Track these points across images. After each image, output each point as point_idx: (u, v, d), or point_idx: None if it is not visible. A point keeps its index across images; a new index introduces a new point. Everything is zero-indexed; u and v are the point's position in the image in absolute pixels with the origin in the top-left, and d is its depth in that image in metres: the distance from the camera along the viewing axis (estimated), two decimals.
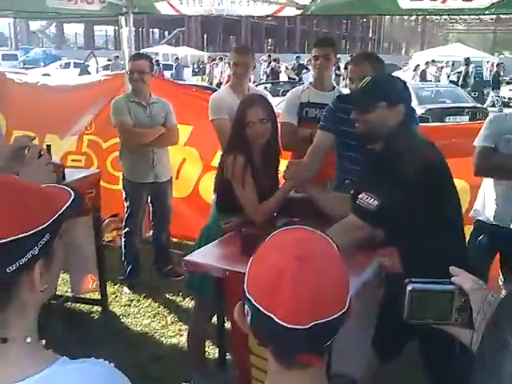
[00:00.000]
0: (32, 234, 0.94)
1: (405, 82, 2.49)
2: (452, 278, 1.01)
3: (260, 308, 0.93)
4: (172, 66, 26.03)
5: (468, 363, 2.21)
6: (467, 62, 20.49)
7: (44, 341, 1.04)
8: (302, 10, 4.28)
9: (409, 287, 1.01)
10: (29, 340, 0.98)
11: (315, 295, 0.91)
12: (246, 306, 0.98)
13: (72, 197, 1.05)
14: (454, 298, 1.00)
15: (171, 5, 4.83)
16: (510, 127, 3.29)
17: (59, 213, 1.00)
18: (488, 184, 3.44)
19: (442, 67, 23.01)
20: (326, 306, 0.92)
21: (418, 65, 21.56)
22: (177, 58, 26.44)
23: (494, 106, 18.89)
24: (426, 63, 21.81)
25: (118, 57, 23.22)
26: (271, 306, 0.92)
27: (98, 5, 4.89)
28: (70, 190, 1.08)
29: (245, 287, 0.98)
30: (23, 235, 0.92)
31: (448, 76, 22.18)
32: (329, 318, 0.92)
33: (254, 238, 2.41)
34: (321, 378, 1.02)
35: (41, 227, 0.95)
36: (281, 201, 2.77)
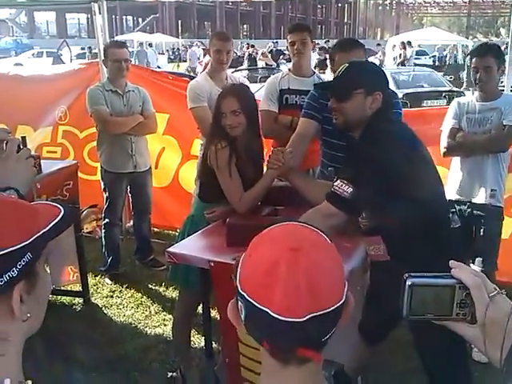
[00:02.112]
0: (8, 252, 0.82)
1: (382, 69, 2.48)
2: (452, 271, 0.99)
3: (254, 303, 0.90)
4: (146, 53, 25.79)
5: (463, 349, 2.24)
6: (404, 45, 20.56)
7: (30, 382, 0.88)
8: None
9: (408, 282, 0.97)
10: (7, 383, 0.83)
11: (311, 286, 0.89)
12: (240, 303, 0.95)
13: (61, 213, 0.95)
14: (454, 292, 0.97)
15: None
16: (472, 108, 3.53)
17: (43, 231, 0.89)
18: (455, 164, 3.62)
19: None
20: (322, 297, 0.90)
21: (395, 45, 21.40)
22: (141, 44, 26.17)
23: (468, 89, 19.04)
24: (402, 43, 21.70)
25: (90, 47, 22.96)
26: (266, 300, 0.89)
27: None
28: (59, 206, 0.98)
29: (238, 284, 0.95)
30: None
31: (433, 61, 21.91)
32: (325, 311, 0.89)
33: (239, 228, 2.42)
34: (318, 374, 1.00)
35: (19, 245, 0.84)
36: (264, 189, 2.74)
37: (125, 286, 4.45)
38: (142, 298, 4.30)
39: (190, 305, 2.96)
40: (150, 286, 4.49)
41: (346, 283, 0.96)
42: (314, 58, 13.65)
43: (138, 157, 4.46)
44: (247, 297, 0.92)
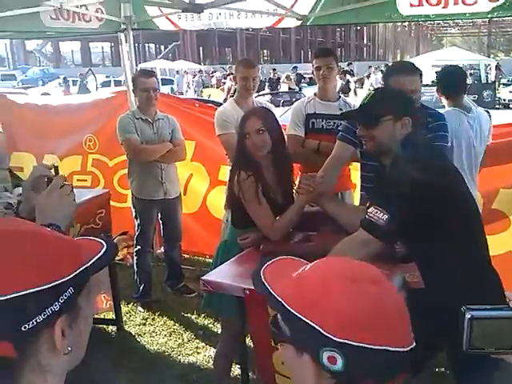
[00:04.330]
0: (52, 287, 0.82)
1: (409, 96, 2.45)
2: (511, 303, 0.98)
3: (369, 346, 0.86)
4: (172, 80, 26.15)
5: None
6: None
7: None
8: (301, 21, 4.27)
9: (467, 315, 0.96)
10: None
11: (405, 315, 0.91)
12: (329, 354, 0.88)
13: (104, 248, 0.95)
14: None
15: (170, 20, 4.84)
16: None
17: (85, 266, 0.89)
18: None
19: None
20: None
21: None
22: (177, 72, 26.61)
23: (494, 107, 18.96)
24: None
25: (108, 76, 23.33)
26: (381, 339, 0.87)
27: (96, 22, 4.88)
28: (102, 241, 0.98)
29: (326, 334, 0.88)
30: (41, 288, 0.81)
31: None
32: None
33: (273, 255, 2.42)
34: None
35: (62, 280, 0.84)
36: (296, 215, 2.74)
37: (157, 314, 4.46)
38: (174, 325, 4.30)
39: (232, 335, 2.88)
40: (181, 313, 4.48)
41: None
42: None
43: (168, 184, 4.50)
44: (354, 343, 0.87)
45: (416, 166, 2.16)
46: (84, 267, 0.89)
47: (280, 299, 0.95)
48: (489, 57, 39.80)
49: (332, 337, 0.87)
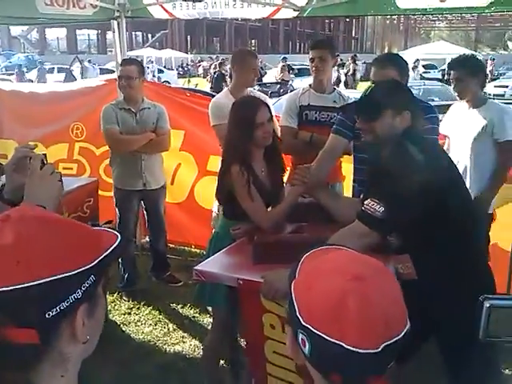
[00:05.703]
0: (75, 274, 0.82)
1: (407, 88, 2.43)
2: None
3: (324, 336, 0.88)
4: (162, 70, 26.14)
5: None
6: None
7: None
8: (298, 12, 4.23)
9: (486, 304, 0.96)
10: None
11: (383, 315, 0.88)
12: (301, 336, 0.93)
13: (119, 239, 0.94)
14: None
15: (164, 9, 4.77)
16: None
17: (106, 253, 0.89)
18: None
19: (415, 66, 23.18)
20: (394, 325, 0.90)
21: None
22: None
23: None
24: (415, 62, 22.06)
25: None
26: (338, 333, 0.87)
27: (91, 10, 4.81)
28: (116, 232, 0.97)
29: (298, 316, 0.93)
30: (65, 275, 0.81)
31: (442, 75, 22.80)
32: (397, 338, 0.89)
33: (265, 246, 2.41)
34: None
35: (86, 267, 0.84)
36: (290, 207, 2.73)
37: (142, 303, 4.43)
38: (160, 314, 4.28)
39: (223, 325, 2.89)
40: (167, 302, 4.47)
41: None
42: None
43: (148, 175, 4.44)
44: (314, 330, 0.90)
45: (413, 159, 2.15)
46: (104, 255, 0.89)
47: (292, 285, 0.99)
48: (475, 51, 40.07)
49: (301, 319, 0.92)
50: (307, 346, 0.92)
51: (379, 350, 0.86)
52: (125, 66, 4.31)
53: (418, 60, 22.90)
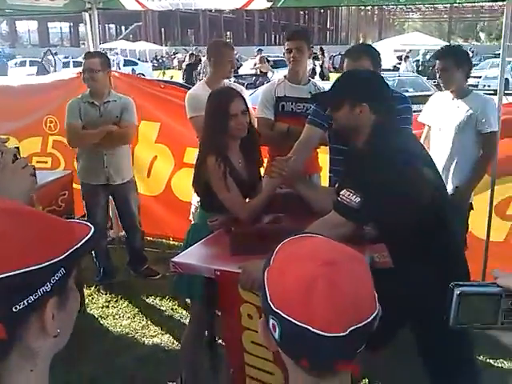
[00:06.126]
0: (44, 267, 0.80)
1: (377, 79, 2.36)
2: (497, 281, 0.99)
3: (293, 320, 0.89)
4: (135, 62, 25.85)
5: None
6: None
7: None
8: (271, 3, 4.22)
9: (456, 291, 0.97)
10: None
11: (351, 300, 0.89)
12: (272, 321, 0.94)
13: (91, 231, 0.92)
14: (500, 300, 0.97)
15: (137, 0, 4.73)
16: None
17: (77, 246, 0.87)
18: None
19: (407, 56, 23.27)
20: (362, 309, 0.91)
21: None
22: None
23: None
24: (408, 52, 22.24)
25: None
26: (306, 317, 0.88)
27: (61, 1, 4.74)
28: (89, 224, 0.95)
29: (269, 302, 0.94)
30: (33, 268, 0.78)
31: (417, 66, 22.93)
32: (365, 322, 0.90)
33: (242, 237, 2.42)
34: (348, 382, 1.00)
35: (55, 260, 0.81)
36: (268, 198, 2.74)
37: (120, 296, 4.41)
38: (137, 307, 4.26)
39: (201, 317, 2.88)
40: (145, 295, 4.45)
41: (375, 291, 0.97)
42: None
43: (111, 169, 4.37)
44: (284, 315, 0.91)
45: (388, 150, 2.17)
46: (74, 248, 0.86)
47: (266, 273, 1.00)
48: (449, 42, 40.50)
49: (272, 305, 0.93)
50: (277, 331, 0.92)
51: (346, 333, 0.87)
52: (88, 59, 4.24)
53: (410, 51, 23.05)
